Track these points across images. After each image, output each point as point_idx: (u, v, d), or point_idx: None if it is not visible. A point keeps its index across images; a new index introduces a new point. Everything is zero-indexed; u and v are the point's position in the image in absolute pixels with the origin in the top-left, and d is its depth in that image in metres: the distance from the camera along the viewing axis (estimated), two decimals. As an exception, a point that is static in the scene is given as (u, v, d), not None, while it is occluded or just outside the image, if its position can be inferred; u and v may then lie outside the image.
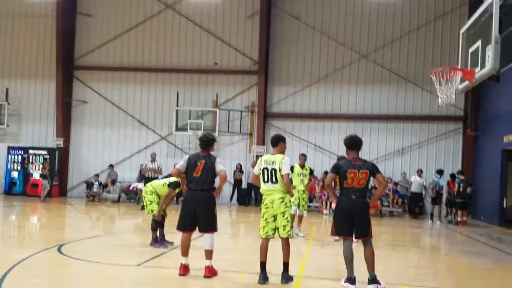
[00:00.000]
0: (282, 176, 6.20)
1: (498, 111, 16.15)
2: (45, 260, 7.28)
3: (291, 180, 6.40)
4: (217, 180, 6.59)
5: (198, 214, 6.37)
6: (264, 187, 6.31)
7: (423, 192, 16.83)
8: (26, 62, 21.35)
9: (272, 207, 6.22)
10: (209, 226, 6.43)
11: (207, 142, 6.61)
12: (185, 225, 6.47)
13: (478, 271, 7.80)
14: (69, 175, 20.89)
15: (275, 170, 6.23)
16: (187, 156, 6.64)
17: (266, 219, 6.26)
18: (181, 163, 6.59)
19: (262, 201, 6.35)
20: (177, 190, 8.46)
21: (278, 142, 6.49)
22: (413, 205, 17.07)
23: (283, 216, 6.21)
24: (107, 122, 20.78)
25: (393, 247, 10.11)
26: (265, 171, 6.29)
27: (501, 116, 15.79)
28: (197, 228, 6.51)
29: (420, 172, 16.88)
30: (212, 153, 6.72)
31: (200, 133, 18.83)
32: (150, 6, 20.52)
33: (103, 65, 20.86)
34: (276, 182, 6.23)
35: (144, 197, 8.74)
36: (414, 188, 16.68)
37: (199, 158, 6.49)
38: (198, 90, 20.13)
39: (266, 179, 6.29)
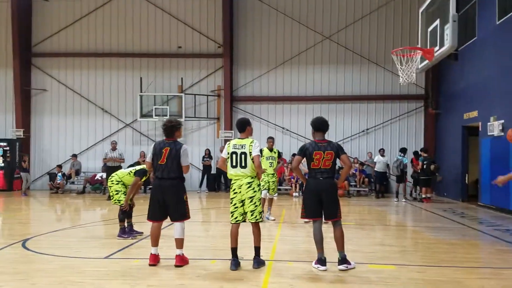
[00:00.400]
0: (252, 158, 6.18)
1: (457, 88, 16.56)
2: (9, 256, 7.05)
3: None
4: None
5: (168, 203, 6.27)
6: (232, 172, 6.25)
7: (387, 171, 17.12)
8: (-20, 50, 20.44)
9: (240, 192, 6.20)
10: (181, 214, 6.34)
11: (168, 130, 6.44)
12: (155, 215, 6.37)
13: (443, 246, 7.99)
14: (31, 167, 20.25)
15: (244, 154, 6.19)
16: (153, 145, 6.52)
17: (234, 204, 6.24)
18: (149, 154, 6.46)
19: (230, 186, 6.32)
20: (143, 178, 8.32)
21: (245, 127, 6.41)
22: (377, 185, 17.20)
23: (251, 201, 6.19)
24: (68, 111, 20.24)
25: (361, 227, 10.29)
26: (234, 156, 6.23)
27: (460, 93, 16.21)
28: (167, 218, 6.44)
29: (382, 152, 17.07)
30: (180, 139, 6.61)
31: (166, 119, 18.61)
32: (109, -12, 19.93)
33: (62, 51, 20.23)
34: (245, 166, 6.19)
35: (109, 187, 8.52)
36: (378, 168, 16.82)
37: (164, 145, 6.36)
38: (162, 74, 19.83)
39: (234, 164, 6.23)
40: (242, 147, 6.24)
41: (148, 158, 6.47)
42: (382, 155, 16.90)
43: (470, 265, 6.63)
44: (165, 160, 6.28)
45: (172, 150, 6.30)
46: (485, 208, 13.68)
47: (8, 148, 19.21)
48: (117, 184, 8.43)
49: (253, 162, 6.20)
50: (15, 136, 19.60)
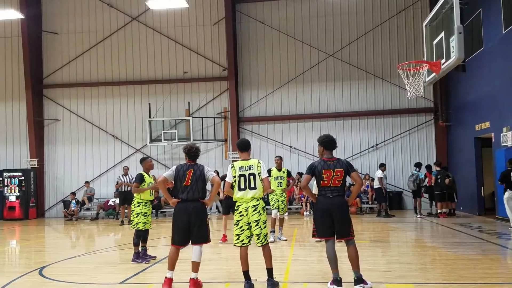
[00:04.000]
0: (262, 180, 6.18)
1: (467, 100, 16.45)
2: (27, 285, 7.08)
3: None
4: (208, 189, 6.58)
5: (192, 225, 6.25)
6: (240, 195, 6.19)
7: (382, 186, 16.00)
8: (-6, 84, 20.99)
9: (246, 214, 6.14)
10: (203, 237, 6.33)
11: (194, 153, 6.58)
12: (181, 239, 6.33)
13: (463, 262, 7.78)
14: (45, 195, 20.58)
15: (253, 175, 6.17)
16: (174, 167, 6.52)
17: (241, 227, 6.16)
18: (168, 172, 6.47)
19: (236, 209, 6.25)
20: (143, 184, 8.40)
21: (249, 147, 6.44)
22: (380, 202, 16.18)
23: (256, 224, 6.13)
24: (80, 139, 20.52)
25: (376, 244, 10.14)
26: (242, 178, 6.19)
27: (471, 105, 16.09)
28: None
29: (384, 167, 16.27)
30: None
31: (175, 143, 18.78)
32: (115, 19, 20.41)
33: (72, 81, 20.64)
34: (255, 188, 6.16)
35: (132, 211, 8.54)
36: (378, 184, 15.91)
37: (188, 167, 6.42)
38: (170, 99, 20.03)
39: (243, 187, 6.17)
40: (249, 168, 6.21)
41: (166, 174, 6.46)
42: (383, 171, 16.08)
43: (491, 281, 6.44)
44: (189, 181, 6.32)
45: (196, 171, 6.39)
46: (503, 221, 13.24)
47: (23, 178, 19.48)
48: (138, 206, 8.44)
49: (262, 183, 6.21)
50: (29, 166, 19.92)
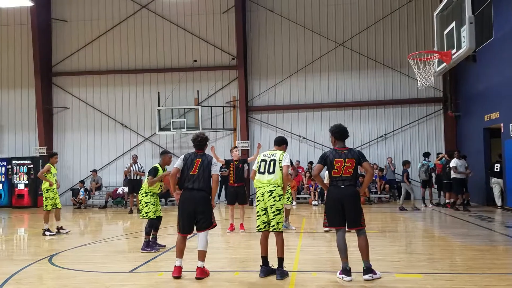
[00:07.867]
0: (281, 167, 6.30)
1: (477, 90, 16.33)
2: (37, 272, 7.16)
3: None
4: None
5: (198, 213, 6.34)
6: (258, 178, 6.37)
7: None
8: (3, 72, 21.15)
9: (263, 199, 6.27)
10: (207, 222, 6.41)
11: (202, 142, 6.70)
12: (186, 227, 6.43)
13: (471, 252, 7.78)
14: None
15: (274, 161, 6.34)
16: (182, 156, 6.65)
17: (257, 212, 6.31)
18: (178, 162, 6.58)
19: (256, 197, 6.44)
20: (158, 174, 8.48)
21: (283, 143, 6.78)
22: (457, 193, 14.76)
23: (270, 209, 6.23)
24: (89, 127, 20.61)
25: (385, 234, 10.16)
26: (263, 163, 6.41)
27: (480, 95, 15.98)
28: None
29: (457, 154, 14.65)
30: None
31: (184, 131, 18.81)
32: (125, 7, 20.37)
33: (81, 69, 20.68)
34: (273, 172, 6.31)
35: (140, 200, 8.68)
36: (454, 174, 14.40)
37: (196, 157, 6.54)
38: (179, 88, 20.04)
39: (262, 170, 6.37)
40: (272, 155, 6.44)
41: (177, 164, 6.56)
42: (459, 158, 14.54)
43: (500, 271, 6.45)
44: (197, 170, 6.41)
45: (204, 161, 6.48)
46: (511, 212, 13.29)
47: (32, 165, 19.60)
48: (146, 195, 8.57)
49: (281, 171, 6.30)
50: (38, 154, 20.03)
